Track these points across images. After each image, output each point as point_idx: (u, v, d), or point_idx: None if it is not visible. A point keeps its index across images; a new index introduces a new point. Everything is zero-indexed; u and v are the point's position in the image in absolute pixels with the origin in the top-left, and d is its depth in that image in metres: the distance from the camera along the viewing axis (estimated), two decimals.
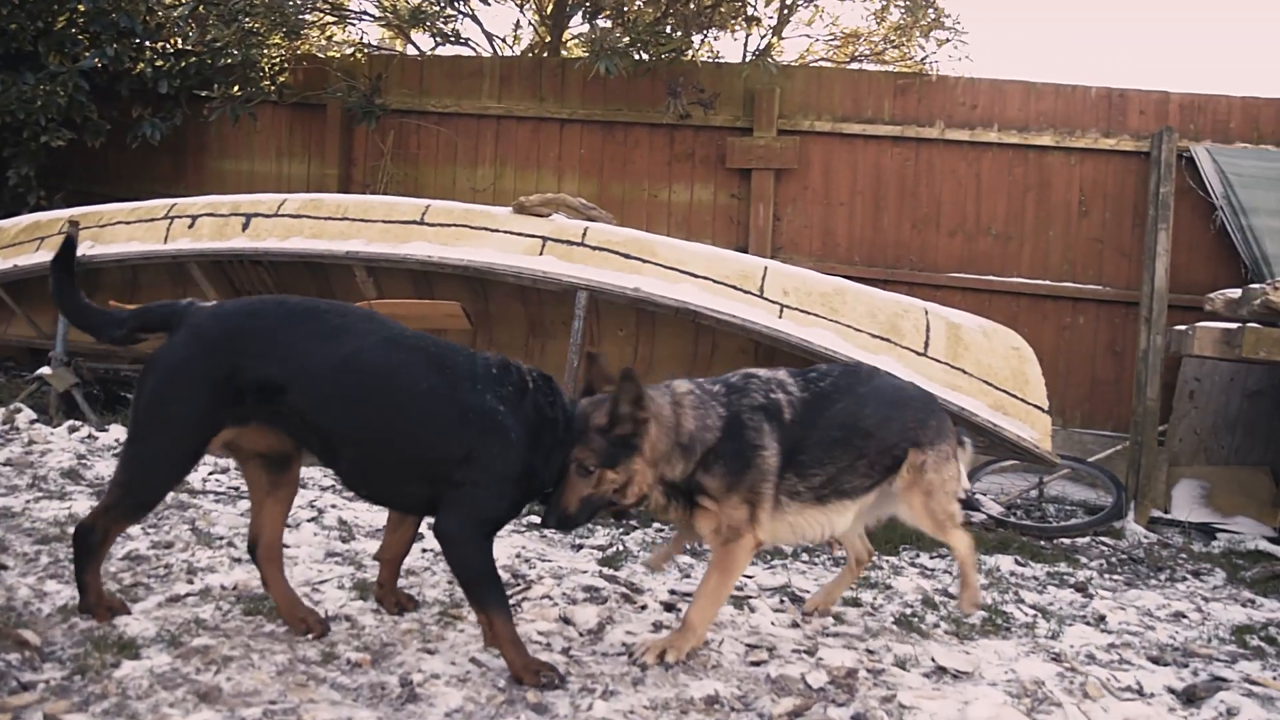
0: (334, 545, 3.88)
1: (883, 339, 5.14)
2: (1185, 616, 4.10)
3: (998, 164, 7.52)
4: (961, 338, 5.23)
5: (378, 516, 4.34)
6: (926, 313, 5.31)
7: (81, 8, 8.15)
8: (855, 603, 3.79)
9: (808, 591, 3.87)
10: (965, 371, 5.09)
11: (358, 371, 2.72)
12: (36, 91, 7.59)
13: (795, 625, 3.47)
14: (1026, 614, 3.85)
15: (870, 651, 3.21)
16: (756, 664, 3.01)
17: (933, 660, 3.15)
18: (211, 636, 2.81)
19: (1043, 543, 5.44)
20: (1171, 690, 3.11)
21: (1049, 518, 6.17)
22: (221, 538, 3.81)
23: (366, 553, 3.79)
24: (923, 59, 8.98)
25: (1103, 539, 5.61)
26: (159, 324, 2.88)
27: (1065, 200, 7.44)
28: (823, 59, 9.98)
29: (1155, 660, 3.46)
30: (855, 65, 9.59)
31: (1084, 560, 5.07)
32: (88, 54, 8.00)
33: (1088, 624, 3.84)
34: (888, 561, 4.51)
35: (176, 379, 2.73)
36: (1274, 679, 3.32)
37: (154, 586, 3.24)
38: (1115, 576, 4.81)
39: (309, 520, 4.22)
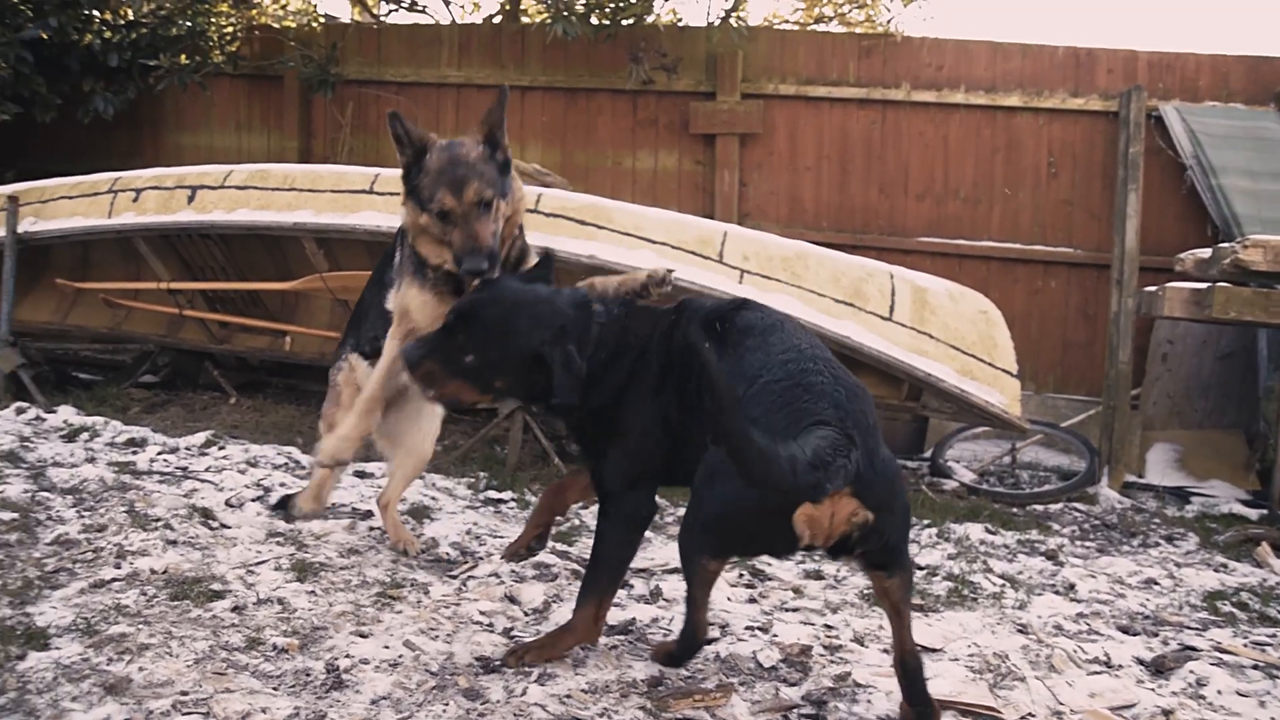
0: (276, 525, 3.72)
1: (846, 304, 5.00)
2: (1157, 583, 4.01)
3: (965, 126, 7.38)
4: (928, 301, 5.11)
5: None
6: (892, 277, 5.18)
7: None
8: (818, 575, 3.68)
9: (769, 564, 3.75)
10: (931, 336, 4.97)
11: None
12: None
13: (753, 600, 3.35)
14: (995, 584, 3.75)
15: (829, 627, 3.09)
16: (706, 642, 2.89)
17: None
18: (131, 623, 2.66)
19: (1015, 510, 5.35)
20: (1140, 661, 3.01)
21: (1021, 484, 6.09)
22: (159, 519, 3.65)
23: (310, 532, 3.65)
24: (888, 20, 8.82)
25: (1076, 505, 5.52)
26: None
27: (1034, 162, 7.31)
28: (787, 21, 9.80)
29: (1125, 630, 3.36)
30: (820, 27, 9.41)
31: (1056, 527, 4.98)
32: (30, 25, 7.72)
33: (1057, 593, 3.74)
34: None
35: None
36: (1245, 646, 3.23)
37: (78, 572, 3.08)
38: (1087, 543, 4.73)
39: (254, 500, 4.07)
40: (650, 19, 7.46)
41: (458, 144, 2.92)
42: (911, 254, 7.21)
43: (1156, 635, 3.31)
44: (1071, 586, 3.83)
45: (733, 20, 7.73)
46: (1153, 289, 5.45)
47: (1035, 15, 20.21)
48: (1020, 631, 3.21)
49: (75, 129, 8.23)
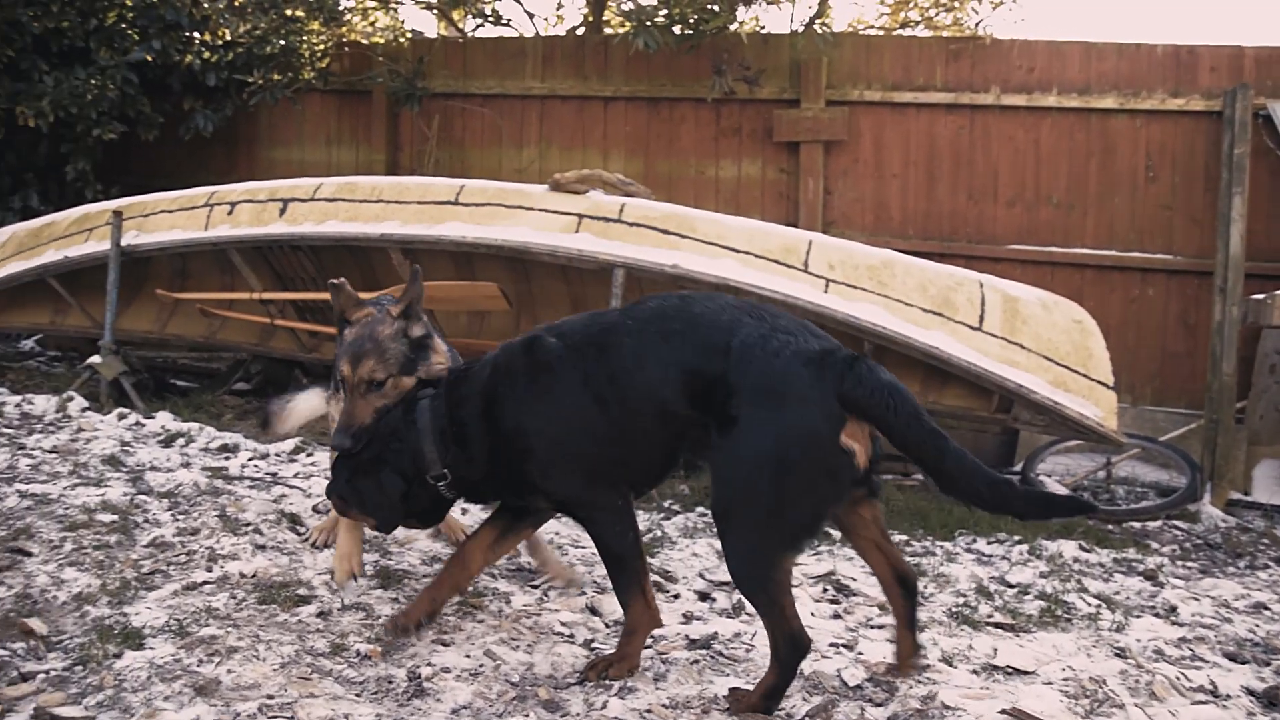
0: (367, 533, 3.77)
1: (935, 313, 4.90)
2: (1267, 608, 3.80)
3: (1058, 129, 7.16)
4: (1019, 311, 4.97)
5: None
6: (981, 285, 5.05)
7: (129, 2, 8.20)
8: None
9: (854, 579, 3.67)
10: (1023, 346, 4.83)
11: None
12: (87, 86, 7.65)
13: (837, 616, 3.28)
14: (1090, 604, 3.60)
15: (915, 645, 3.00)
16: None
17: (983, 655, 2.94)
18: (220, 626, 2.72)
19: (1110, 527, 5.16)
20: (1250, 691, 2.85)
21: (1117, 500, 5.87)
22: (249, 524, 3.74)
23: (394, 539, 3.69)
24: (976, 22, 8.61)
25: (1176, 523, 5.30)
26: None
27: (1131, 166, 7.05)
28: (872, 26, 9.65)
29: (1232, 657, 3.19)
30: (905, 31, 9.24)
31: (1155, 546, 4.78)
32: (136, 48, 8.05)
33: (1157, 615, 3.57)
34: (941, 547, 4.29)
35: None
36: None
37: (172, 574, 3.17)
38: (1189, 564, 4.52)
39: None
40: (733, 28, 7.41)
41: (376, 320, 2.96)
42: (1001, 262, 7.03)
43: (1268, 664, 3.14)
44: (1173, 609, 3.66)
45: (817, 26, 7.64)
46: (1260, 296, 5.21)
47: (1132, 14, 19.56)
48: (1118, 655, 3.07)
49: (176, 146, 8.54)
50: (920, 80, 7.40)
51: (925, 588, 3.65)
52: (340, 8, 8.40)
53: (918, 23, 9.36)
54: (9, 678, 2.41)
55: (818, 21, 7.98)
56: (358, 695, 2.41)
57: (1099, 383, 4.82)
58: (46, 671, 2.45)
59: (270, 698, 2.32)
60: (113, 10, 8.16)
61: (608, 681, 2.55)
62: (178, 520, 3.78)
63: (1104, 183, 7.09)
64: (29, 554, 3.27)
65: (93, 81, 7.66)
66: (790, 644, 2.44)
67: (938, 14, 9.12)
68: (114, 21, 8.16)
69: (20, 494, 3.92)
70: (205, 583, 3.09)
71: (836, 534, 4.31)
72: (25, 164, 8.26)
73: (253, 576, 3.16)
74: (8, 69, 7.65)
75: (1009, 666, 2.87)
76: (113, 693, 2.33)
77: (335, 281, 3.05)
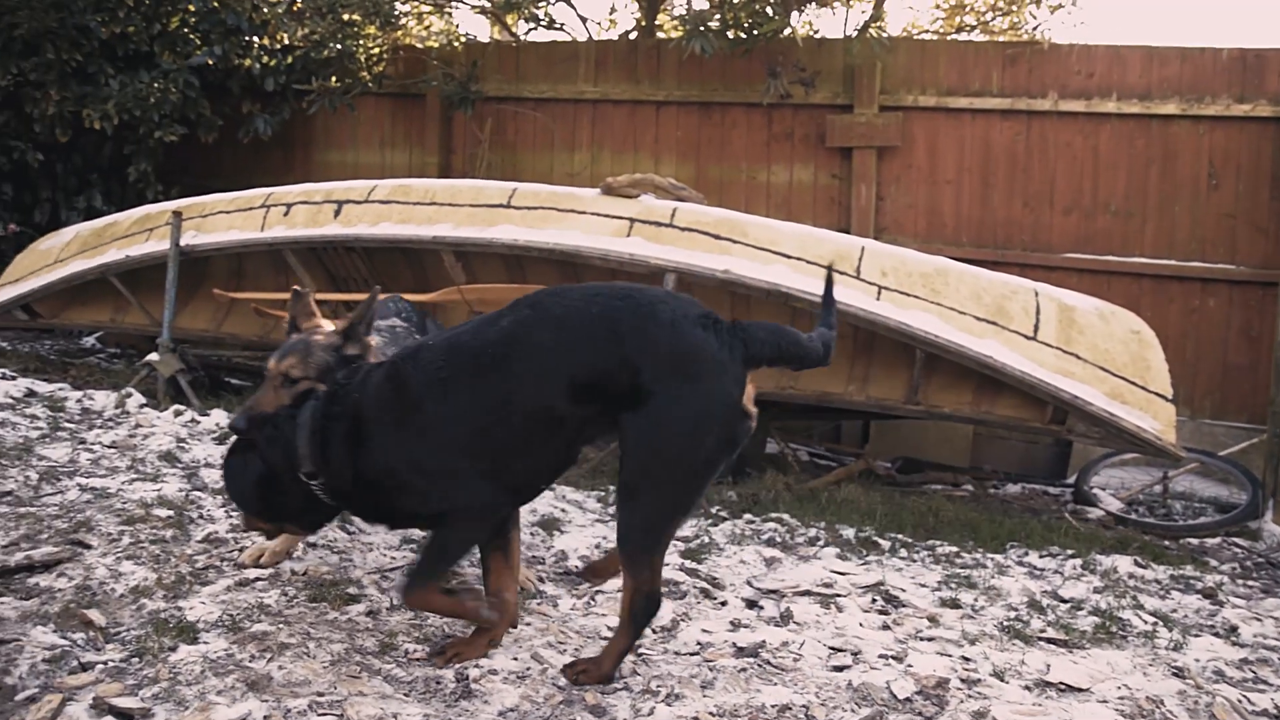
0: (412, 533, 3.80)
1: (989, 322, 4.83)
2: None
3: (1117, 136, 7.03)
4: (1075, 320, 4.88)
5: None
6: (1036, 294, 4.97)
7: (192, 8, 8.37)
8: (954, 604, 3.53)
9: (903, 590, 3.63)
10: (1079, 357, 4.75)
11: None
12: (151, 89, 7.82)
13: (886, 628, 3.24)
14: (1145, 621, 3.52)
15: (966, 659, 2.96)
16: (838, 669, 2.81)
17: (1036, 671, 2.89)
18: (272, 622, 2.76)
19: (1167, 543, 5.04)
20: None
21: (1174, 515, 5.74)
22: None
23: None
24: (1034, 27, 8.50)
25: (1236, 540, 5.17)
26: None
27: (1193, 173, 6.90)
28: (927, 31, 9.56)
29: None
30: (961, 36, 9.14)
31: (1214, 563, 4.66)
32: (199, 52, 8.21)
33: (1216, 635, 3.48)
34: (992, 559, 4.22)
35: None
36: None
37: (225, 570, 3.22)
38: (1250, 582, 4.40)
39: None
40: (786, 32, 7.38)
41: (316, 332, 3.09)
42: (1056, 271, 6.91)
43: None
44: (1233, 629, 3.56)
45: (871, 31, 7.58)
46: None
47: (1196, 17, 19.12)
48: (1176, 675, 3.00)
49: (234, 148, 8.70)
50: (976, 86, 7.31)
51: (976, 601, 3.59)
52: (396, 12, 8.49)
53: (973, 27, 9.26)
54: (70, 667, 2.46)
55: (872, 26, 7.92)
56: (406, 694, 2.43)
57: (1157, 395, 4.72)
58: (105, 662, 2.50)
59: (320, 695, 2.35)
60: (176, 15, 8.34)
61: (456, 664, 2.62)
62: (230, 517, 3.84)
63: (1164, 190, 6.95)
64: (89, 546, 3.34)
65: (156, 85, 7.83)
66: (648, 603, 2.57)
67: (994, 18, 9.02)
68: (177, 26, 8.34)
69: (81, 487, 4.00)
70: (257, 579, 3.13)
71: (886, 543, 4.28)
72: (90, 165, 8.47)
73: (303, 574, 3.20)
74: (75, 73, 7.85)
75: (1062, 683, 2.82)
76: (168, 685, 2.37)
77: (298, 289, 3.18)
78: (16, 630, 2.61)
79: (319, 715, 2.25)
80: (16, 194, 8.28)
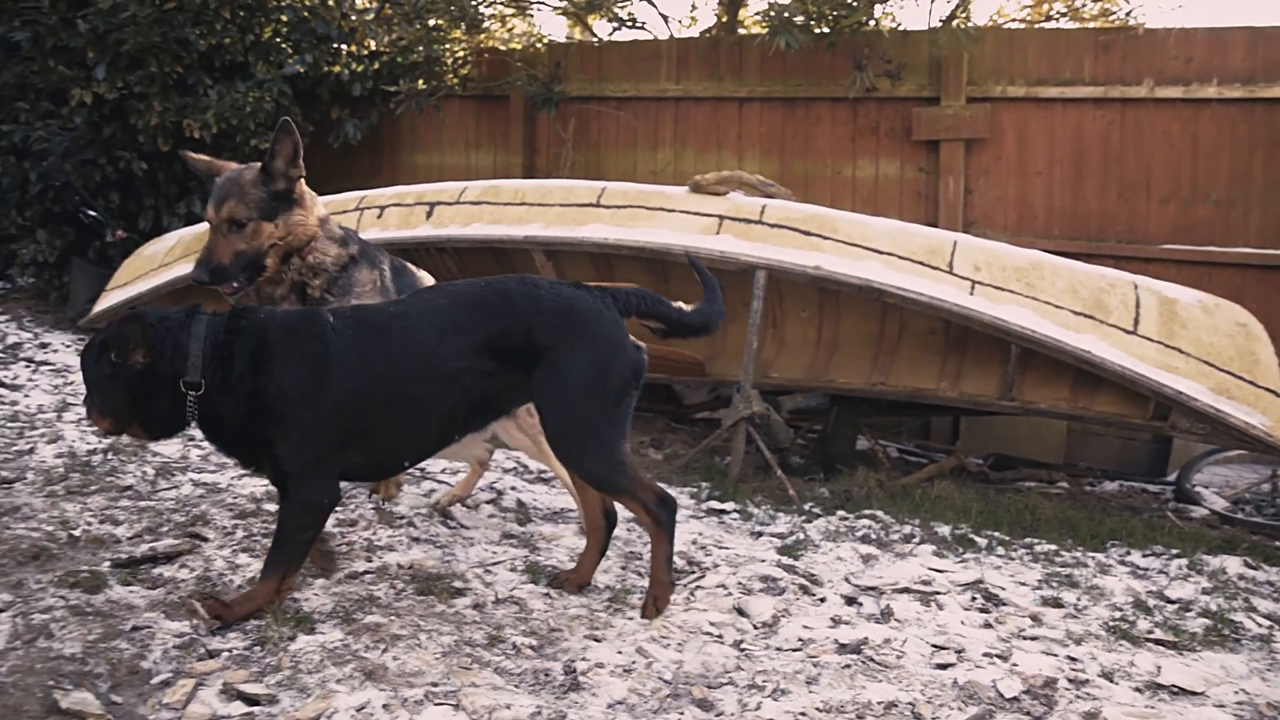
0: (510, 527, 3.89)
1: (1086, 316, 4.73)
2: None
3: (1218, 122, 6.80)
4: (1177, 314, 4.75)
5: (556, 499, 4.34)
6: (1136, 287, 4.85)
7: (284, 18, 8.61)
8: (1056, 603, 3.47)
9: (1003, 588, 3.58)
10: (1182, 351, 4.62)
11: None
12: (246, 99, 8.06)
13: (988, 626, 3.21)
14: (1260, 625, 3.41)
15: (1072, 659, 2.91)
16: (942, 667, 2.79)
17: (1146, 673, 2.83)
18: (383, 614, 2.84)
19: (1278, 544, 4.87)
20: None
21: None
22: (403, 518, 3.89)
23: (542, 535, 3.79)
24: (1126, 12, 8.25)
25: None
26: None
27: None
28: (1014, 20, 9.36)
29: None
30: (1050, 24, 8.93)
31: None
32: (290, 61, 8.45)
33: None
34: (1093, 558, 4.13)
35: None
36: None
37: (336, 563, 3.32)
38: None
39: (487, 502, 4.26)
40: (870, 24, 7.30)
41: (239, 169, 3.19)
42: (1154, 262, 6.72)
43: None
44: None
45: (957, 21, 7.46)
46: None
47: None
48: None
49: (323, 153, 8.91)
50: (1067, 74, 7.14)
51: (1078, 600, 3.53)
52: (480, 16, 8.62)
53: (1063, 14, 9.04)
54: (198, 653, 2.58)
55: (958, 16, 7.80)
56: (516, 686, 2.48)
57: (1267, 390, 4.56)
58: (230, 650, 2.61)
59: (435, 685, 2.41)
60: (269, 26, 8.59)
61: (208, 620, 2.73)
62: (335, 512, 3.96)
63: (1271, 177, 6.70)
64: (205, 539, 3.48)
65: (251, 95, 8.07)
66: (662, 503, 2.92)
67: (1084, 4, 8.79)
68: (270, 36, 8.58)
69: (194, 483, 4.17)
70: (366, 572, 3.23)
71: (982, 541, 4.22)
72: (190, 173, 8.75)
73: (409, 568, 3.28)
74: (177, 85, 8.13)
75: (1174, 686, 2.76)
76: (290, 673, 2.46)
77: (183, 153, 3.43)
78: (147, 618, 2.73)
79: (435, 704, 2.31)
80: (123, 201, 8.62)
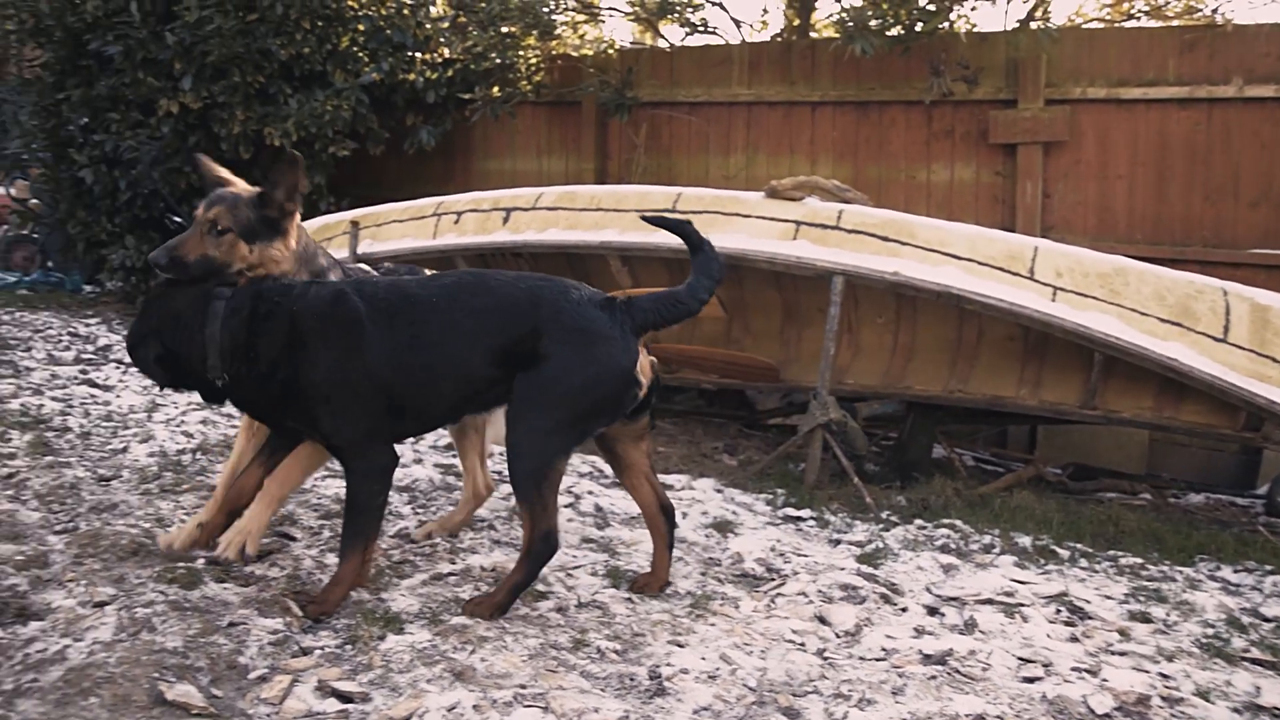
0: (589, 531, 3.91)
1: (1173, 323, 4.62)
2: None
3: None
4: (1270, 321, 4.61)
5: (633, 504, 4.33)
6: (1225, 293, 4.72)
7: (361, 27, 8.80)
8: (1145, 618, 3.40)
9: (1088, 601, 3.51)
10: (1276, 360, 4.48)
11: None
12: (325, 107, 8.25)
13: (1074, 640, 3.15)
14: None
15: (1165, 676, 2.85)
16: (1030, 680, 2.75)
17: (1244, 693, 2.75)
18: (469, 616, 2.88)
19: None
20: None
21: None
22: (483, 520, 3.94)
23: (620, 540, 3.81)
24: (1214, 9, 8.03)
25: None
26: None
27: None
28: (1092, 20, 9.17)
29: None
30: (1131, 23, 8.73)
31: None
32: (367, 69, 8.62)
33: None
34: (1181, 573, 4.03)
35: None
36: None
37: (420, 565, 3.38)
38: None
39: (565, 506, 4.29)
40: (947, 27, 7.21)
41: (241, 188, 3.22)
42: (1242, 268, 6.52)
43: None
44: None
45: (1035, 22, 7.33)
46: None
47: None
48: None
49: (398, 159, 9.08)
50: (1150, 74, 6.97)
51: (1168, 615, 3.44)
52: (553, 22, 8.70)
53: (1144, 13, 8.84)
54: (292, 650, 2.65)
55: (1036, 17, 7.67)
56: (602, 690, 2.51)
57: None
58: (321, 648, 2.68)
59: (523, 687, 2.45)
60: (346, 35, 8.78)
61: (305, 619, 2.84)
62: (417, 514, 4.04)
63: None
64: (293, 539, 3.57)
65: (329, 103, 8.26)
66: (545, 541, 2.90)
67: (1168, 2, 8.58)
68: (347, 45, 8.77)
69: None
70: (450, 574, 3.28)
71: (1065, 553, 4.14)
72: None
73: (492, 570, 3.33)
74: (258, 94, 8.35)
75: (1276, 708, 2.68)
76: (381, 672, 2.52)
77: (197, 156, 3.44)
78: (241, 614, 2.81)
79: (524, 706, 2.34)
80: None
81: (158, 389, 3.39)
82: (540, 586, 3.19)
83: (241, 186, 3.29)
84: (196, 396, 3.19)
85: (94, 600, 2.85)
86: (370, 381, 2.93)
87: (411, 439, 3.34)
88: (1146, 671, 2.87)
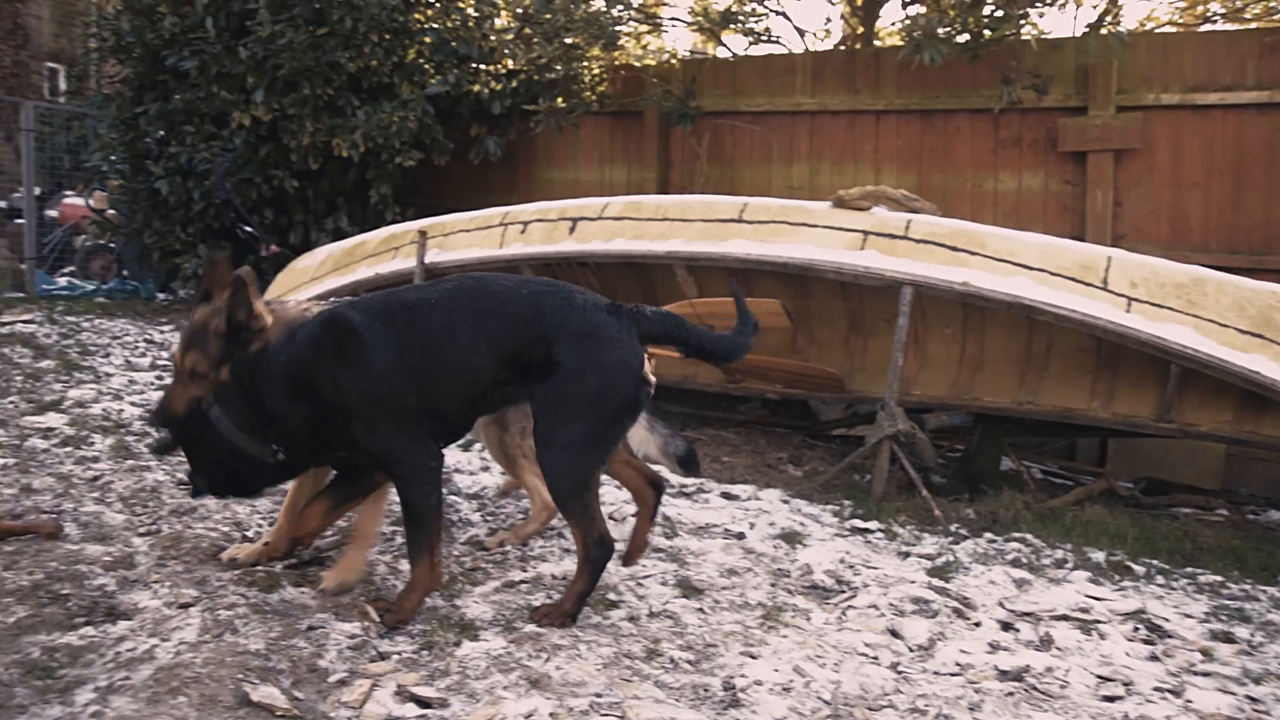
0: (657, 541, 3.92)
1: (1254, 335, 4.50)
2: None
3: None
4: None
5: (700, 513, 4.36)
6: None
7: (427, 40, 8.94)
8: (1228, 638, 3.31)
9: (1166, 619, 3.44)
10: None
11: None
12: (392, 118, 8.40)
13: (1154, 659, 3.08)
14: None
15: (1253, 699, 2.78)
16: (1110, 699, 2.70)
17: None
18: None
19: None
20: None
21: None
22: (553, 528, 3.96)
23: (689, 550, 3.81)
24: None
25: None
26: None
27: None
28: (1164, 24, 8.98)
29: None
30: (1207, 26, 8.53)
31: None
32: (433, 81, 8.76)
33: None
34: (1264, 592, 3.92)
35: None
36: None
37: (491, 572, 3.42)
38: None
39: (634, 515, 4.30)
40: (1016, 34, 7.11)
41: (209, 313, 3.14)
42: None
43: None
44: None
45: (1106, 28, 7.20)
46: None
47: None
48: None
49: (463, 169, 9.20)
50: (1227, 79, 6.80)
51: (1252, 636, 3.36)
52: (617, 33, 8.75)
53: (1220, 15, 8.64)
54: (370, 655, 2.69)
55: (1107, 22, 7.53)
56: (677, 700, 2.51)
57: None
58: (399, 653, 2.72)
59: (599, 696, 2.46)
60: (412, 47, 8.93)
61: (381, 624, 2.88)
62: (486, 521, 4.08)
63: None
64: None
65: (396, 115, 8.40)
66: (600, 546, 2.94)
67: (1246, 4, 8.36)
68: (413, 58, 8.92)
69: None
70: (522, 582, 3.31)
71: (1140, 569, 4.06)
72: (336, 190, 9.16)
73: (563, 578, 3.35)
74: (327, 106, 8.53)
75: None
76: (458, 678, 2.55)
77: (217, 256, 3.37)
78: (319, 618, 2.87)
79: (601, 715, 2.36)
80: (275, 217, 9.07)
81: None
82: (611, 596, 3.21)
83: (208, 312, 3.17)
84: None
85: (179, 601, 2.92)
86: (383, 383, 2.96)
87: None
88: (1233, 694, 2.81)
